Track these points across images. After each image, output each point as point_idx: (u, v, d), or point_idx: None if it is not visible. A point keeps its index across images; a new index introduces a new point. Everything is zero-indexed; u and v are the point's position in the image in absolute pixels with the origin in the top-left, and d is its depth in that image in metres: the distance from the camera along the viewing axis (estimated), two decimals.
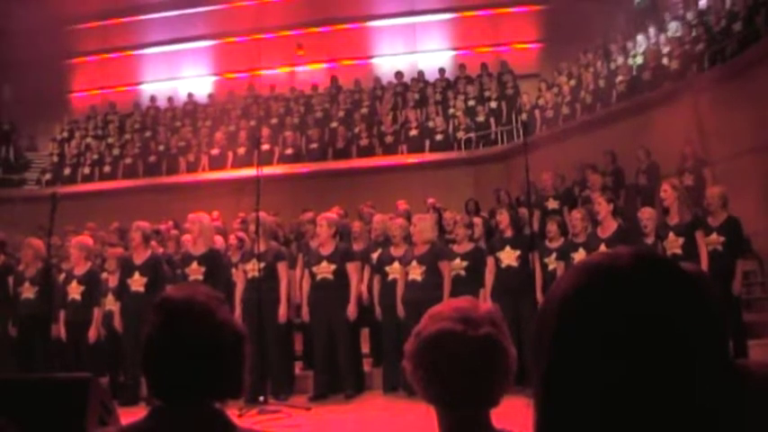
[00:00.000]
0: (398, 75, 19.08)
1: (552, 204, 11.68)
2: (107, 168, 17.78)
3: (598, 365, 0.88)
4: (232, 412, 1.79)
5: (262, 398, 7.87)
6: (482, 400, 1.69)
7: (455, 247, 8.99)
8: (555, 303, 0.95)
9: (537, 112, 15.62)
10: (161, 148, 17.86)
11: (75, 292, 9.01)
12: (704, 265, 7.66)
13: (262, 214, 8.64)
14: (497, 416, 1.72)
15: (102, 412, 3.25)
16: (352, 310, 8.56)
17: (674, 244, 7.95)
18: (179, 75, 21.53)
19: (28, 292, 9.03)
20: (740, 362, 1.31)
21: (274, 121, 18.00)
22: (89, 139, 19.20)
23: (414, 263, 8.57)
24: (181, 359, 1.75)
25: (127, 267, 8.97)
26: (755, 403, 1.03)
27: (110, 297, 9.25)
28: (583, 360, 0.89)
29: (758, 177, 10.64)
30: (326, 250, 8.74)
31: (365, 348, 9.56)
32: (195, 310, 1.77)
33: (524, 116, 15.36)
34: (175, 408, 1.76)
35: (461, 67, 18.86)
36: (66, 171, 18.07)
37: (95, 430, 3.01)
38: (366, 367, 9.37)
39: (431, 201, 12.75)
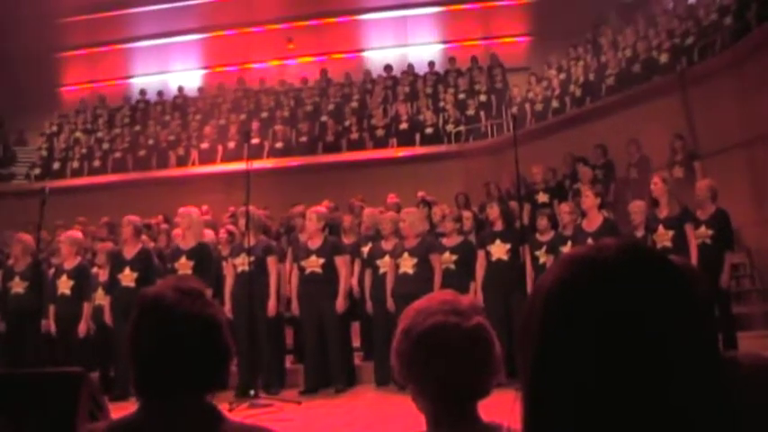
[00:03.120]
0: (388, 68, 19.06)
1: (542, 198, 11.70)
2: (96, 163, 17.72)
3: (584, 357, 0.88)
4: (223, 406, 1.79)
5: (252, 392, 7.87)
6: (476, 391, 1.69)
7: (444, 241, 9.00)
8: (541, 295, 0.95)
9: (527, 105, 15.61)
10: (150, 142, 17.79)
11: (65, 286, 8.99)
12: (694, 257, 7.70)
13: (252, 208, 8.64)
14: (486, 408, 1.72)
15: (92, 407, 3.25)
16: (340, 304, 8.57)
17: (663, 237, 7.99)
18: (169, 68, 21.47)
19: (18, 286, 9.02)
20: (729, 353, 1.32)
21: (265, 114, 17.95)
22: (78, 134, 19.13)
23: (405, 255, 8.58)
24: (154, 354, 1.78)
25: (117, 262, 8.95)
26: (744, 393, 1.04)
27: (100, 291, 9.24)
28: (569, 352, 0.89)
29: (747, 170, 10.68)
30: (315, 244, 8.74)
31: (356, 342, 9.58)
32: (162, 304, 1.79)
33: (514, 109, 15.35)
34: (165, 402, 1.76)
35: (451, 60, 18.85)
36: (56, 165, 18.01)
37: (86, 425, 3.00)
38: (357, 361, 9.38)
39: (421, 194, 12.75)
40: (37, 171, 18.26)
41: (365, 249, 9.34)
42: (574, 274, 0.93)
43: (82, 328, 8.86)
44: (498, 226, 8.79)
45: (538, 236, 8.97)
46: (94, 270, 9.56)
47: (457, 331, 1.66)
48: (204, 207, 12.97)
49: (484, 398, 1.71)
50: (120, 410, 1.90)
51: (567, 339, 0.90)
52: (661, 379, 0.86)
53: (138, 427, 1.77)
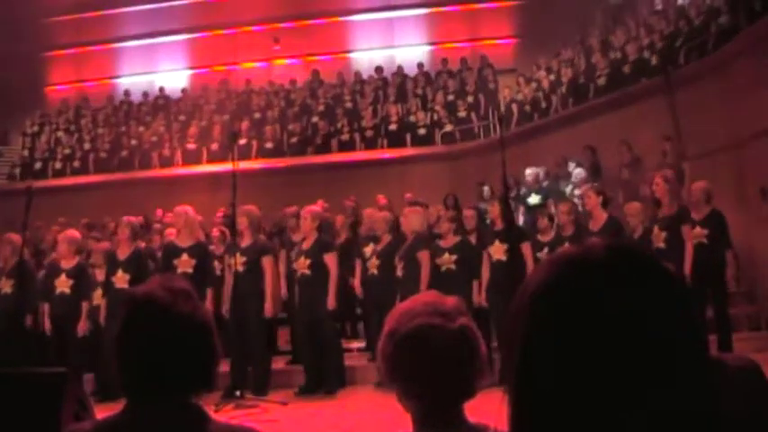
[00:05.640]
0: (378, 69, 19.04)
1: (533, 199, 11.70)
2: (77, 163, 17.63)
3: (571, 357, 0.87)
4: (208, 407, 1.78)
5: (239, 392, 7.85)
6: (462, 392, 1.70)
7: (441, 243, 8.94)
8: (528, 295, 0.94)
9: (515, 107, 15.62)
10: (133, 142, 17.71)
11: (64, 285, 8.97)
12: (688, 259, 7.69)
13: (251, 207, 8.66)
14: (472, 409, 1.72)
15: (77, 407, 3.23)
16: (331, 302, 8.53)
17: (658, 238, 7.99)
18: (155, 68, 21.41)
19: (5, 286, 8.99)
20: (716, 355, 1.32)
21: (257, 115, 17.90)
22: (60, 134, 19.04)
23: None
24: (143, 354, 1.76)
25: (112, 263, 8.94)
26: (730, 395, 1.04)
27: (98, 292, 9.16)
28: (555, 352, 0.89)
29: (733, 173, 10.72)
30: (307, 244, 8.72)
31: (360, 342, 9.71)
32: (153, 304, 1.78)
33: (503, 110, 15.36)
34: (152, 402, 1.75)
35: (444, 61, 18.81)
36: (38, 165, 17.91)
37: (70, 425, 2.99)
38: (356, 362, 9.40)
39: (408, 195, 12.74)
40: (19, 171, 18.15)
41: (367, 250, 9.37)
42: (561, 274, 0.93)
43: (81, 328, 8.82)
44: (498, 225, 8.76)
45: (539, 236, 8.94)
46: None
47: (440, 332, 1.66)
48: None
49: (470, 399, 1.71)
50: (110, 411, 1.88)
51: (554, 339, 0.89)
52: (649, 380, 0.86)
53: (124, 428, 1.76)
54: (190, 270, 8.45)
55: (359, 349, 9.89)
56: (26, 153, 18.73)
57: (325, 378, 8.52)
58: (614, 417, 0.86)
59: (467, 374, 1.68)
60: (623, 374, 0.86)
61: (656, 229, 8.09)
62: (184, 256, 8.73)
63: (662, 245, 7.91)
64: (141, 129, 18.20)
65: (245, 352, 8.29)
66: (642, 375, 0.86)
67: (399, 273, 8.55)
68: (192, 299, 1.84)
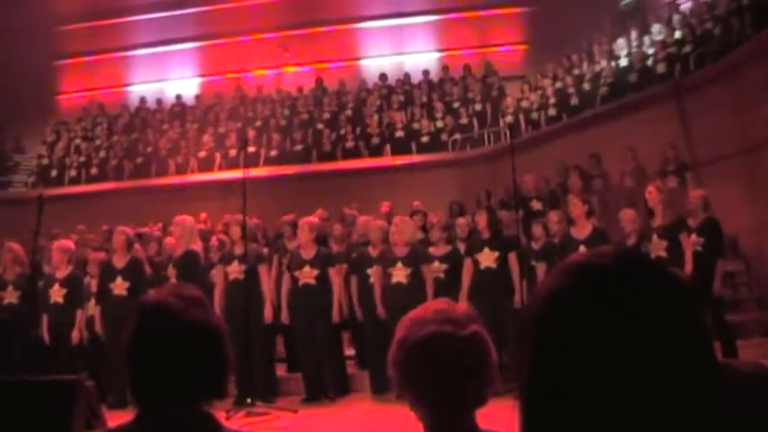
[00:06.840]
0: (383, 77, 19.04)
1: (536, 206, 11.67)
2: (94, 170, 17.67)
3: (580, 365, 0.88)
4: (219, 415, 1.78)
5: (249, 400, 7.86)
6: (473, 400, 1.70)
7: (432, 250, 8.98)
8: (537, 303, 0.95)
9: (521, 114, 15.59)
10: (149, 149, 17.75)
11: (57, 295, 8.95)
12: (688, 266, 7.69)
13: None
14: (484, 417, 1.72)
15: (88, 415, 3.24)
16: (336, 314, 8.55)
17: (658, 246, 7.98)
18: (166, 76, 21.46)
19: (11, 296, 8.98)
20: (725, 360, 1.32)
21: (259, 123, 17.91)
22: (77, 141, 19.08)
23: (399, 265, 8.57)
24: (154, 362, 1.76)
25: (108, 271, 8.96)
26: (739, 400, 1.04)
27: (92, 301, 9.22)
28: (565, 361, 0.89)
29: (743, 179, 10.69)
30: (308, 254, 8.69)
31: (348, 351, 9.62)
32: (165, 311, 1.77)
33: (509, 118, 15.34)
34: (164, 410, 1.75)
35: (445, 68, 18.83)
36: (54, 173, 17.96)
37: None
38: (351, 369, 9.38)
39: (416, 203, 12.72)
40: (34, 179, 18.22)
41: (354, 256, 9.35)
42: (571, 282, 0.94)
43: (75, 335, 8.82)
44: (486, 234, 8.78)
45: (533, 244, 8.97)
46: (86, 280, 9.53)
47: (451, 340, 1.66)
48: (202, 215, 12.98)
49: (481, 406, 1.71)
50: (117, 419, 1.89)
51: (563, 347, 0.90)
52: (659, 385, 0.86)
53: None
54: (173, 280, 8.46)
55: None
56: (46, 161, 18.74)
57: (328, 386, 8.55)
58: (625, 422, 0.86)
59: (477, 382, 1.68)
60: (633, 380, 0.86)
61: (655, 237, 8.08)
62: (170, 267, 8.82)
63: (663, 253, 7.89)
64: (157, 136, 18.22)
65: (249, 360, 8.29)
66: (652, 381, 0.86)
67: (402, 279, 8.51)
68: (203, 306, 1.84)
